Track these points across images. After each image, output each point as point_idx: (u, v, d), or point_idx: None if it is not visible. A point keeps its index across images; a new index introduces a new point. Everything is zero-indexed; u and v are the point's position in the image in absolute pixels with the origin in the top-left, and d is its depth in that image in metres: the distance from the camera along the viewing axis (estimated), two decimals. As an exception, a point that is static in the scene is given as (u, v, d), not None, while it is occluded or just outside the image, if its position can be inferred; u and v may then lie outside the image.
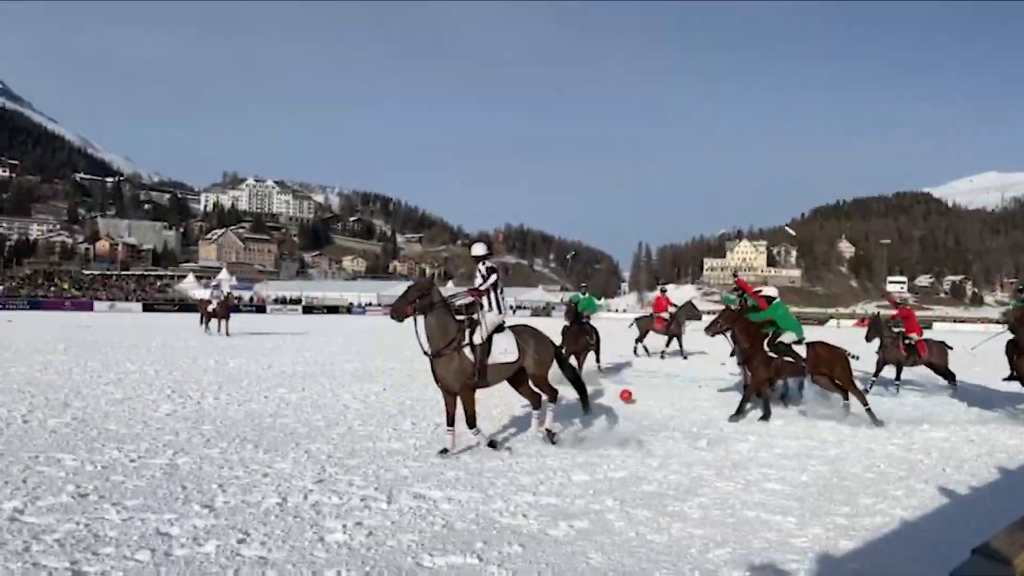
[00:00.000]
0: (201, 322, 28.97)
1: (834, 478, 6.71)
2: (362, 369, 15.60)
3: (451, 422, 7.35)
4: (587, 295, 16.78)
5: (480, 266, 7.63)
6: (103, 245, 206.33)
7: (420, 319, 7.22)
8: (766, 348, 10.07)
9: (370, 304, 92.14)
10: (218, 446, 7.37)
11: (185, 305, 72.72)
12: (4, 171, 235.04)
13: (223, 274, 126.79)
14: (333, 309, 79.10)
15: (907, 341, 13.76)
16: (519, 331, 7.65)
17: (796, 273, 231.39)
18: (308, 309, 76.20)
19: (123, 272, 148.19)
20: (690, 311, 13.61)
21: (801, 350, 10.15)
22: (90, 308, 66.90)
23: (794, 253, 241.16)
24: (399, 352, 21.01)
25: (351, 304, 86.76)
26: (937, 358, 13.80)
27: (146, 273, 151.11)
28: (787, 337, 10.21)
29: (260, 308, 74.08)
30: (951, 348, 14.05)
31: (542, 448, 7.68)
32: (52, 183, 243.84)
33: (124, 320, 41.20)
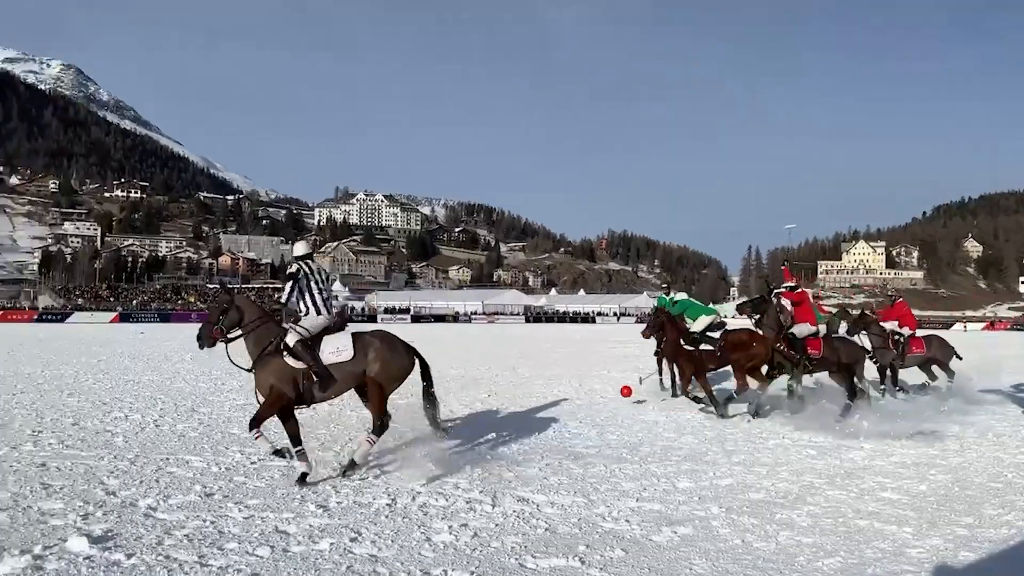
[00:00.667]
0: None
1: (955, 488, 6.39)
2: (466, 376, 15.87)
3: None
4: (672, 296, 13.17)
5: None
6: (225, 260, 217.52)
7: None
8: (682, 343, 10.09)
9: (475, 312, 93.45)
10: (332, 449, 7.70)
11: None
12: (136, 192, 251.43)
13: (336, 285, 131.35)
14: (440, 318, 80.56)
15: (897, 337, 12.65)
16: (365, 333, 6.92)
17: (918, 275, 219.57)
18: (416, 318, 77.97)
19: (243, 285, 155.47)
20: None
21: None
22: (214, 320, 70.51)
23: (916, 254, 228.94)
24: (503, 360, 21.27)
25: (457, 313, 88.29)
26: (939, 354, 12.68)
27: (265, 285, 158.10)
28: (697, 325, 10.23)
29: (371, 318, 76.37)
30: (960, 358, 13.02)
31: (646, 455, 7.64)
32: (178, 203, 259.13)
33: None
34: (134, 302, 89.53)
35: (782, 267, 11.64)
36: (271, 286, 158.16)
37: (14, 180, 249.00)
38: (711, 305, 11.77)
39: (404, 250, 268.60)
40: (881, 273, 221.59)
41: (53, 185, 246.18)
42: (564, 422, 9.74)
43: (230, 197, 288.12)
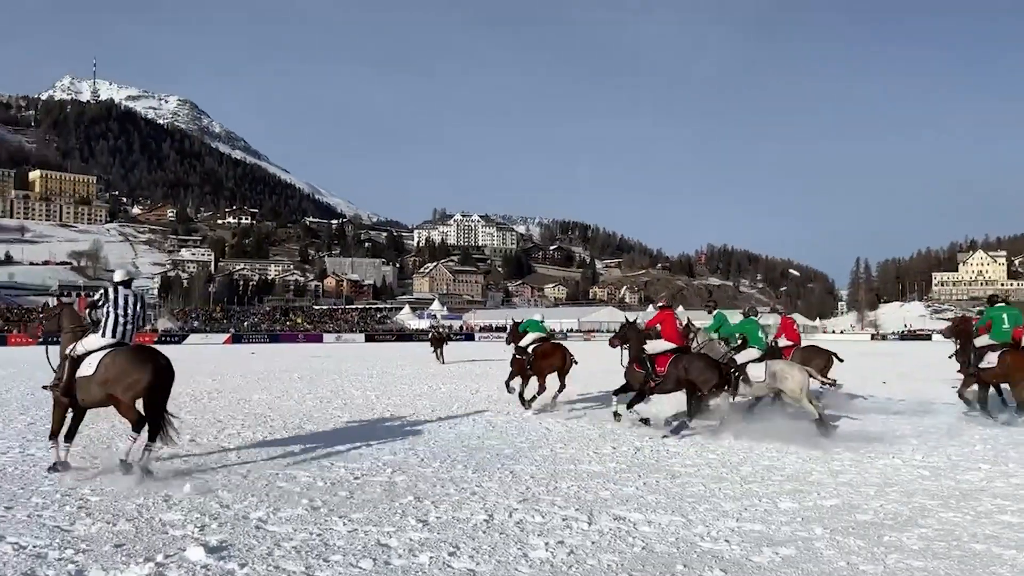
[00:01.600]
0: (434, 351, 30.45)
1: (1086, 512, 5.98)
2: (563, 395, 15.85)
3: (66, 435, 7.47)
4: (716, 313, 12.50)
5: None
6: (330, 282, 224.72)
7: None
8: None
9: (571, 330, 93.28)
10: (431, 465, 7.87)
11: (402, 335, 77.42)
12: (247, 219, 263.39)
13: (435, 305, 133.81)
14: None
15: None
16: (119, 350, 7.21)
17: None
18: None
19: (347, 306, 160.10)
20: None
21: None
22: (320, 340, 73.12)
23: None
24: (600, 378, 21.13)
25: (553, 331, 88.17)
26: (816, 366, 12.02)
27: (367, 306, 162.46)
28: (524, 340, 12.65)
29: (469, 336, 77.28)
30: (841, 360, 13.79)
31: (747, 474, 7.47)
32: (286, 227, 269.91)
33: (349, 350, 44.64)
34: (245, 324, 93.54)
35: (659, 303, 12.20)
36: (374, 306, 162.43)
37: (136, 210, 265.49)
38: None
39: (500, 269, 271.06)
40: (1002, 284, 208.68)
41: (171, 214, 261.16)
42: (661, 440, 9.63)
43: (334, 221, 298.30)
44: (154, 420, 7.20)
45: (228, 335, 69.99)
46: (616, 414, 11.14)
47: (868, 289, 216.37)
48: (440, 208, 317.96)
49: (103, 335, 7.33)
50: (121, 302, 7.49)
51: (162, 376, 7.23)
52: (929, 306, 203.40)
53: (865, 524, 5.66)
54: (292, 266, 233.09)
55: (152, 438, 7.17)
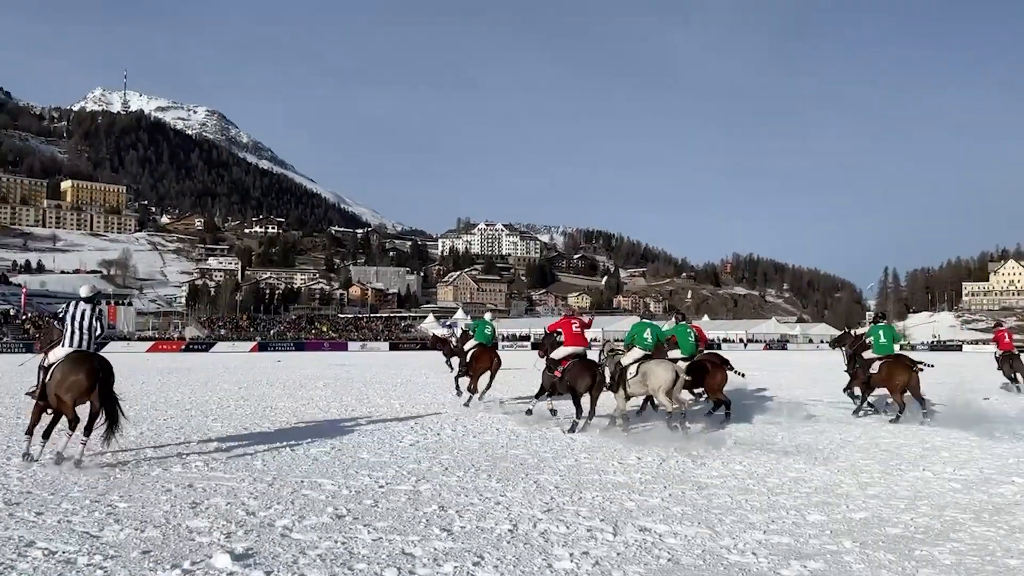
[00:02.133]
0: (447, 360, 30.28)
1: (1125, 528, 5.84)
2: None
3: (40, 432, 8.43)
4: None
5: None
6: (355, 290, 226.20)
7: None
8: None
9: (595, 340, 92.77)
10: (455, 474, 7.86)
11: (426, 344, 77.58)
12: (273, 228, 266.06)
13: (459, 314, 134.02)
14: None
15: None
16: (65, 358, 8.18)
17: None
18: (536, 345, 78.23)
19: (372, 315, 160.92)
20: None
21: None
22: (345, 348, 73.59)
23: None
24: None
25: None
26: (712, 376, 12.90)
27: (392, 315, 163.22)
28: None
29: (493, 345, 77.23)
30: (741, 375, 14.22)
31: (774, 486, 7.38)
32: (312, 237, 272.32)
33: (374, 359, 44.82)
34: (271, 332, 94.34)
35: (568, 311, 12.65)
36: (398, 315, 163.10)
37: (165, 219, 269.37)
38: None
39: (524, 278, 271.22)
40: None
41: (199, 223, 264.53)
42: (688, 451, 9.53)
43: (359, 230, 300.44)
44: (107, 416, 8.19)
45: (254, 343, 70.60)
46: (528, 411, 12.87)
47: (896, 299, 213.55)
48: (464, 217, 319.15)
49: (64, 346, 8.36)
50: (78, 316, 8.47)
51: (94, 378, 8.08)
52: (959, 316, 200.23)
53: (896, 538, 5.56)
54: (318, 275, 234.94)
55: (88, 432, 8.11)
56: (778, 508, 6.50)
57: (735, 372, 13.56)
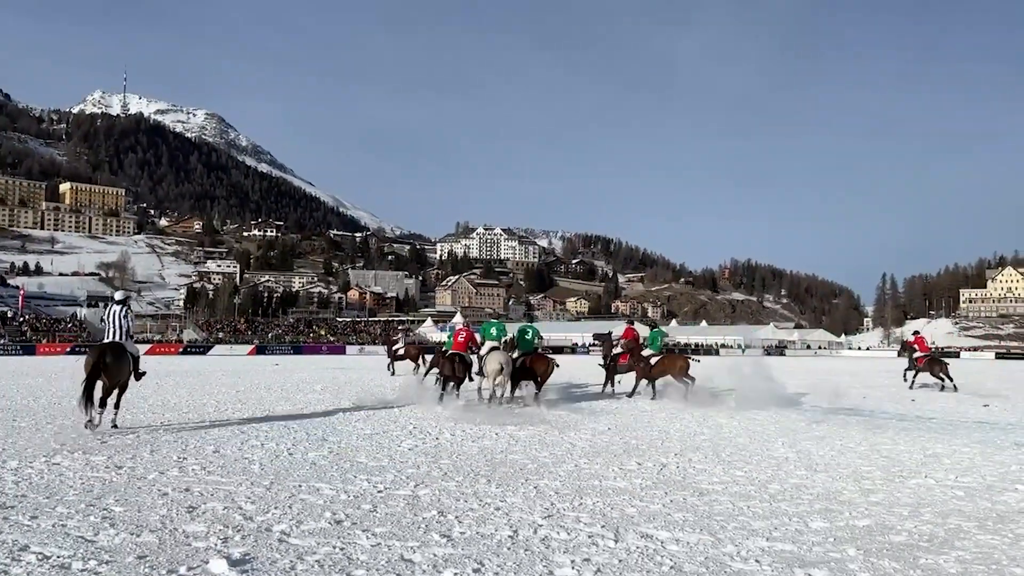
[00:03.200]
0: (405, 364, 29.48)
1: None
2: (587, 408, 15.75)
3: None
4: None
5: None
6: (353, 294, 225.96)
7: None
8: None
9: (594, 345, 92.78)
10: (454, 479, 7.79)
11: (425, 348, 77.47)
12: (272, 231, 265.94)
13: (457, 318, 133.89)
14: (558, 350, 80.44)
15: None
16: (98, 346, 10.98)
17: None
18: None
19: (370, 319, 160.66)
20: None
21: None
22: (343, 352, 73.36)
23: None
24: (622, 392, 20.96)
25: (575, 344, 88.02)
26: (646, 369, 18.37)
27: (390, 319, 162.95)
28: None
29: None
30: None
31: (776, 493, 7.33)
32: (310, 240, 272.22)
33: (372, 362, 44.69)
34: (270, 335, 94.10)
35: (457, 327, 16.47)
36: (396, 318, 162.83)
37: (163, 222, 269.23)
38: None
39: (522, 282, 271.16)
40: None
41: (197, 226, 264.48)
42: (688, 456, 9.49)
43: (358, 234, 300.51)
44: (117, 391, 11.13)
45: (252, 346, 70.40)
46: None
47: (894, 305, 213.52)
48: (463, 221, 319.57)
49: (105, 338, 11.08)
50: (110, 315, 11.19)
51: (97, 360, 10.46)
52: (957, 323, 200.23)
53: (900, 546, 5.51)
54: (316, 278, 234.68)
55: (101, 406, 10.68)
56: (780, 515, 6.44)
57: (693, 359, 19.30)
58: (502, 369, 15.14)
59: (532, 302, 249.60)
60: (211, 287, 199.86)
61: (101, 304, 16.07)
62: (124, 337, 11.09)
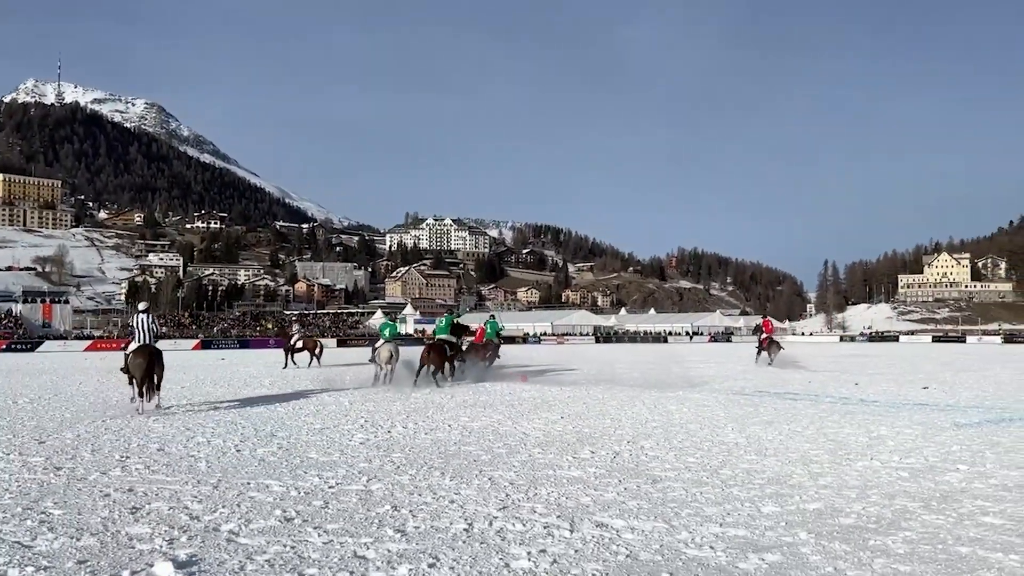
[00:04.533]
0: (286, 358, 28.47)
1: (1066, 513, 5.98)
2: (539, 398, 15.78)
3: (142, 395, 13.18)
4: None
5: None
6: (301, 286, 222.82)
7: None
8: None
9: (544, 333, 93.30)
10: (408, 473, 7.70)
11: (374, 340, 76.95)
12: (216, 223, 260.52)
13: (408, 309, 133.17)
14: (510, 339, 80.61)
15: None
16: (135, 349, 13.18)
17: (1007, 287, 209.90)
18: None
19: (319, 311, 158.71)
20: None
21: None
22: (291, 345, 72.10)
23: (1003, 265, 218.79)
24: (575, 380, 21.08)
25: (526, 334, 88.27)
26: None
27: (339, 311, 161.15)
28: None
29: (442, 341, 76.91)
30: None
31: (728, 478, 7.41)
32: (256, 232, 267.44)
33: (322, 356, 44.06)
34: (215, 329, 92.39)
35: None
36: (345, 311, 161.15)
37: (103, 215, 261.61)
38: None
39: (473, 273, 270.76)
40: (966, 286, 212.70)
41: (138, 218, 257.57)
42: (640, 444, 9.55)
43: (305, 225, 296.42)
44: (151, 385, 13.30)
45: (197, 341, 68.97)
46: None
47: (836, 291, 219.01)
48: (412, 212, 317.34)
49: (135, 342, 13.30)
50: (138, 323, 13.43)
51: (148, 361, 13.11)
52: (896, 308, 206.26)
53: (849, 528, 5.60)
54: (262, 271, 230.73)
55: (149, 396, 13.26)
56: (733, 500, 6.50)
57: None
58: (391, 357, 19.35)
59: (483, 292, 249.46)
60: (153, 281, 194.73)
61: (134, 315, 15.26)
62: (153, 339, 13.34)
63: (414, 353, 20.52)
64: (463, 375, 21.21)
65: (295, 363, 28.26)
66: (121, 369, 13.56)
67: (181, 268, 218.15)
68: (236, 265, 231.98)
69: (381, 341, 20.10)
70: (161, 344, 14.60)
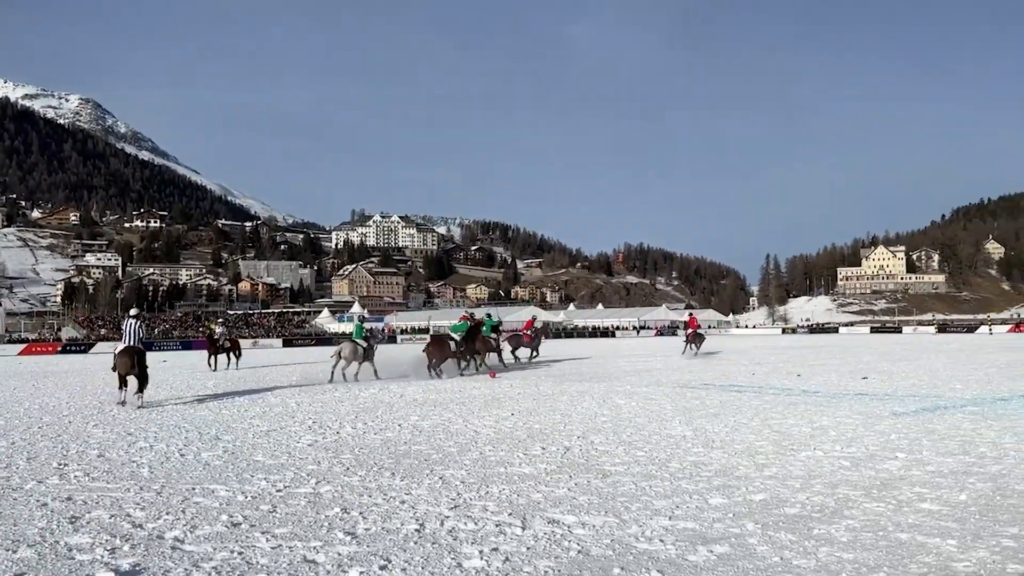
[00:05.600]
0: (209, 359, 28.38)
1: (997, 496, 6.21)
2: (490, 395, 15.79)
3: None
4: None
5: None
6: (245, 286, 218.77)
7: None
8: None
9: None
10: (357, 474, 7.62)
11: (321, 339, 76.06)
12: (155, 222, 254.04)
13: (355, 307, 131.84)
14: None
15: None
16: (121, 349, 14.70)
17: (940, 278, 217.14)
18: (436, 338, 77.89)
19: (264, 310, 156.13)
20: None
21: None
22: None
23: (936, 257, 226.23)
24: (524, 377, 21.14)
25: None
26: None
27: (285, 310, 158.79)
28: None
29: (391, 339, 76.46)
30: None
31: (676, 471, 7.51)
32: (197, 231, 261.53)
33: (266, 356, 43.47)
34: (156, 331, 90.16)
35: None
36: (291, 310, 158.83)
37: (36, 214, 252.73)
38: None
39: (421, 270, 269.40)
40: (902, 278, 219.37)
41: (74, 217, 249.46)
42: (590, 439, 9.62)
43: (248, 223, 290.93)
44: (139, 382, 14.67)
45: (138, 343, 67.17)
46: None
47: (778, 284, 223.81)
48: (359, 209, 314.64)
49: (122, 343, 14.78)
50: (127, 327, 14.99)
51: (131, 360, 14.49)
52: (835, 300, 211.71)
53: (794, 518, 5.72)
54: (204, 270, 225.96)
55: (138, 392, 14.68)
56: (681, 493, 6.59)
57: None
58: (354, 355, 20.67)
59: (432, 290, 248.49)
60: (91, 282, 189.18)
61: (123, 319, 17.02)
62: (137, 342, 14.77)
63: (389, 351, 22.45)
64: (474, 370, 22.68)
65: (213, 367, 27.78)
66: (112, 368, 15.12)
67: (120, 268, 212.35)
68: (177, 265, 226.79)
69: (346, 340, 21.61)
70: (100, 348, 14.65)
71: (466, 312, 27.66)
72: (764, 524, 5.54)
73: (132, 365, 14.44)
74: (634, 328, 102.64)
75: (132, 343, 14.65)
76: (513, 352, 28.40)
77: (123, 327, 15.12)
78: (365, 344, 21.32)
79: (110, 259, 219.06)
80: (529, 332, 29.59)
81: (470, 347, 22.58)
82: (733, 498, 6.38)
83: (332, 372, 20.15)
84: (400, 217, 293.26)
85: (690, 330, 33.71)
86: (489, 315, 25.93)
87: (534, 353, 29.36)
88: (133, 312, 15.40)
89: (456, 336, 22.18)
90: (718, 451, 8.63)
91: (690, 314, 38.07)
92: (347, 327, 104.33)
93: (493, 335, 24.34)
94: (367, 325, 24.41)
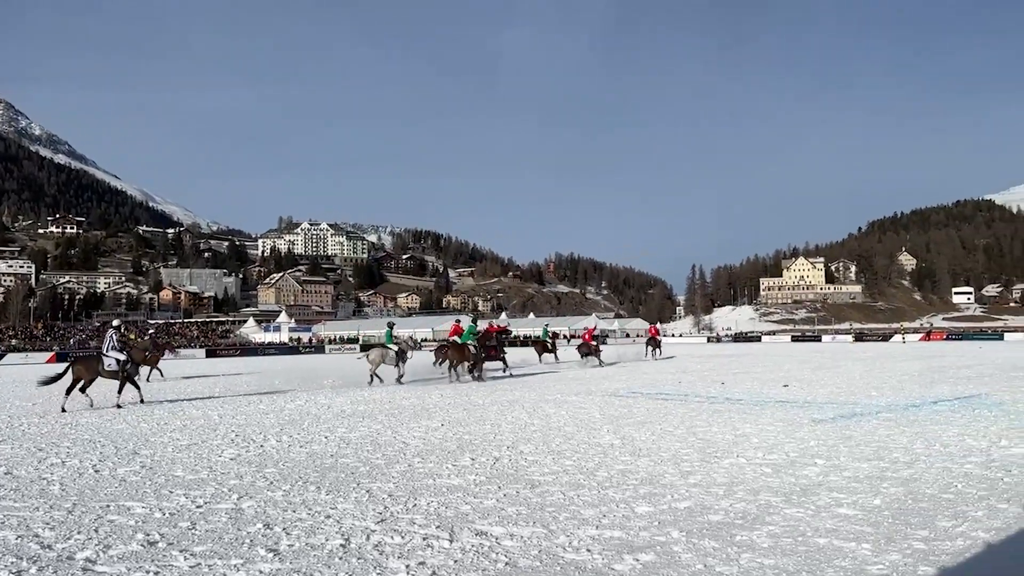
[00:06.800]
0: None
1: (909, 500, 6.46)
2: (419, 405, 15.66)
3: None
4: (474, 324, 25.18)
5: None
6: (166, 294, 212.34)
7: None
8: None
9: (426, 339, 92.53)
10: (281, 488, 7.45)
11: (247, 349, 74.32)
12: (72, 228, 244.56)
13: (282, 317, 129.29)
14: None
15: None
16: (93, 355, 16.79)
17: (856, 289, 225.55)
18: (365, 347, 76.91)
19: (186, 320, 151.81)
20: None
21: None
22: (156, 356, 68.45)
23: (853, 268, 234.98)
24: (455, 388, 21.06)
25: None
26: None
27: (208, 319, 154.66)
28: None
29: (319, 348, 75.21)
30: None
31: (603, 480, 7.57)
32: (116, 237, 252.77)
33: (188, 367, 42.19)
34: (72, 341, 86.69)
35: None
36: (214, 319, 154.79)
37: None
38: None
39: (351, 279, 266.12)
40: (821, 288, 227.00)
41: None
42: (519, 449, 9.63)
43: (170, 230, 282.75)
44: (125, 383, 16.60)
45: (52, 353, 64.27)
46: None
47: (703, 294, 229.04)
48: (286, 216, 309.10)
49: (104, 352, 16.27)
50: (107, 334, 16.64)
51: (85, 367, 16.11)
52: (758, 309, 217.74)
53: (717, 524, 5.83)
54: (124, 278, 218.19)
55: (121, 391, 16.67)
56: (608, 502, 6.65)
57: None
58: (382, 358, 22.37)
59: (362, 299, 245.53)
60: (1, 290, 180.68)
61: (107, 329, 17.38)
62: (110, 350, 16.30)
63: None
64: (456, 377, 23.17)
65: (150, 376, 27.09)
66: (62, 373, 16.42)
67: (33, 276, 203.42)
68: (95, 272, 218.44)
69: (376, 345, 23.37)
70: (10, 359, 14.02)
71: (493, 323, 30.52)
72: (688, 531, 5.63)
73: (90, 371, 16.15)
74: (565, 337, 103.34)
75: (106, 350, 16.33)
76: (587, 356, 32.12)
77: (105, 334, 17.01)
78: (395, 348, 22.63)
79: (22, 266, 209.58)
80: (594, 343, 33.35)
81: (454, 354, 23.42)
82: (659, 506, 6.46)
83: (371, 376, 22.28)
84: (329, 225, 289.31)
85: (649, 337, 40.94)
86: (474, 320, 26.07)
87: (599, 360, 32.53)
88: (116, 323, 17.74)
89: (470, 342, 23.34)
90: (644, 459, 8.74)
91: (652, 325, 47.60)
92: (272, 337, 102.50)
93: (472, 343, 24.23)
94: (403, 332, 25.76)
